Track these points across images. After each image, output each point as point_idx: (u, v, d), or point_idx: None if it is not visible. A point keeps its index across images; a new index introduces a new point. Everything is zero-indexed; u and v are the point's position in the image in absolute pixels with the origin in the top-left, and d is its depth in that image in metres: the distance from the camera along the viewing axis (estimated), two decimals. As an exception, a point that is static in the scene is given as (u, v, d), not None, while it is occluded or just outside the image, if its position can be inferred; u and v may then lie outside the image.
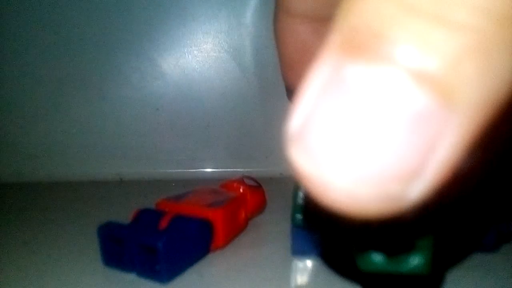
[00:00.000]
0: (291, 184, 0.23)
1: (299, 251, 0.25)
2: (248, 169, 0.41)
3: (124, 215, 0.26)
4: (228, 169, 0.44)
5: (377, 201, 0.07)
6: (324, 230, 0.22)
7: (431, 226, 0.14)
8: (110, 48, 0.43)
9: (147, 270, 0.23)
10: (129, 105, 0.44)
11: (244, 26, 0.43)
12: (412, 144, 0.07)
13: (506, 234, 0.24)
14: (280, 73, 0.20)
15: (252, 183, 0.31)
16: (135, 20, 0.43)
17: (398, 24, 0.06)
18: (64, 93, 0.44)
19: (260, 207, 0.31)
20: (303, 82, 0.07)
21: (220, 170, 0.45)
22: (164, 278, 0.23)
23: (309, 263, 0.25)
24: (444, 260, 0.23)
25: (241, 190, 0.30)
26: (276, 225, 0.29)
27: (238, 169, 0.42)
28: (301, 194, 0.23)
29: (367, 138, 0.07)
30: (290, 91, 0.19)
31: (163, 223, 0.24)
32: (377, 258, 0.14)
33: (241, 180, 0.31)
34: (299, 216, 0.24)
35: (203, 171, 0.45)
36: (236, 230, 0.28)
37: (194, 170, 0.45)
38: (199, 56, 0.44)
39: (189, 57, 0.44)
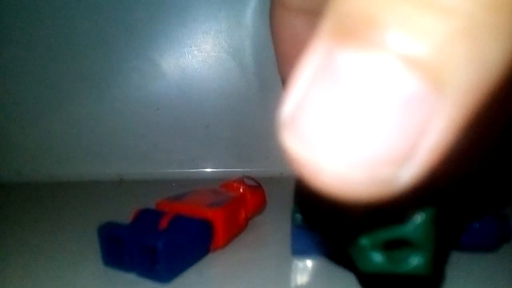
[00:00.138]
0: (291, 184, 0.23)
1: (299, 251, 0.25)
2: (248, 169, 0.41)
3: (124, 215, 0.26)
4: (228, 169, 0.44)
5: (368, 184, 0.07)
6: (323, 228, 0.22)
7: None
8: (110, 48, 0.43)
9: (147, 270, 0.23)
10: (129, 105, 0.44)
11: (244, 26, 0.43)
12: (403, 128, 0.07)
13: (506, 233, 0.24)
14: (276, 67, 0.20)
15: (252, 183, 0.31)
16: (135, 20, 0.43)
17: (388, 10, 0.06)
18: (64, 93, 0.44)
19: (260, 207, 0.31)
20: (296, 68, 0.07)
21: (220, 170, 0.45)
22: (164, 278, 0.23)
23: (309, 263, 0.25)
24: (444, 259, 0.23)
25: (241, 190, 0.30)
26: (276, 225, 0.29)
27: (238, 169, 0.42)
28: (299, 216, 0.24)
29: (359, 122, 0.07)
30: (286, 84, 0.19)
31: (163, 223, 0.24)
32: (377, 258, 0.14)
33: (241, 180, 0.31)
34: (299, 216, 0.24)
35: (203, 171, 0.45)
36: (236, 230, 0.28)
37: (194, 170, 0.45)
38: (199, 56, 0.44)
39: (189, 57, 0.44)
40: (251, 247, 0.27)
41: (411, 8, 0.06)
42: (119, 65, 0.44)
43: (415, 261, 0.14)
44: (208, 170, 0.45)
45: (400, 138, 0.07)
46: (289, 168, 0.08)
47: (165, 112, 0.44)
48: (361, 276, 0.21)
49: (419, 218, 0.14)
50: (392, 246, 0.14)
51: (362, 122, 0.07)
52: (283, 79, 0.19)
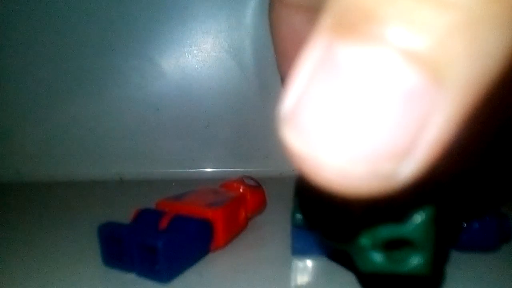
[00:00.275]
0: (291, 184, 0.23)
1: (299, 251, 0.25)
2: (248, 169, 0.41)
3: (124, 215, 0.26)
4: (228, 169, 0.44)
5: (369, 179, 0.07)
6: (323, 227, 0.22)
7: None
8: (110, 48, 0.43)
9: (147, 270, 0.23)
10: (129, 105, 0.44)
11: (244, 26, 0.43)
12: (403, 123, 0.07)
13: (506, 233, 0.24)
14: (276, 64, 0.20)
15: (252, 183, 0.31)
16: (135, 20, 0.43)
17: (387, 4, 0.06)
18: (64, 93, 0.44)
19: (260, 207, 0.31)
20: (296, 64, 0.07)
21: (220, 170, 0.45)
22: (164, 278, 0.23)
23: (309, 263, 0.25)
24: (444, 260, 0.23)
25: (241, 190, 0.30)
26: (276, 225, 0.29)
27: (238, 169, 0.42)
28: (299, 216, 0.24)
29: (359, 116, 0.07)
30: (285, 81, 0.19)
31: (163, 223, 0.24)
32: (377, 258, 0.14)
33: (241, 180, 0.31)
34: (299, 216, 0.24)
35: (203, 171, 0.45)
36: (236, 230, 0.28)
37: (194, 170, 0.45)
38: (199, 56, 0.44)
39: (189, 57, 0.44)
40: (251, 247, 0.27)
41: (410, 2, 0.06)
42: (119, 65, 0.44)
43: (415, 261, 0.14)
44: (208, 170, 0.45)
45: (401, 133, 0.07)
46: (289, 168, 0.08)
47: (165, 112, 0.44)
48: (361, 276, 0.21)
49: (419, 218, 0.14)
50: (392, 246, 0.14)
51: (362, 116, 0.07)
52: (282, 76, 0.19)
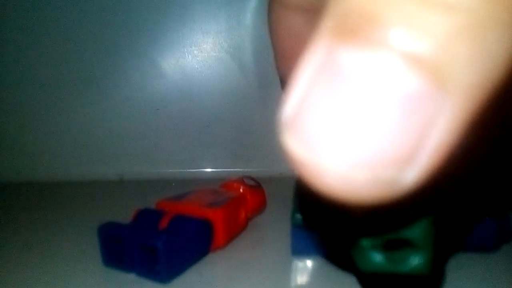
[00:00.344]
0: (291, 184, 0.23)
1: (299, 251, 0.25)
2: (248, 169, 0.41)
3: (124, 215, 0.26)
4: (228, 169, 0.44)
5: (371, 186, 0.07)
6: (323, 228, 0.22)
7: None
8: (110, 48, 0.43)
9: (147, 270, 0.23)
10: (129, 105, 0.44)
11: (244, 26, 0.43)
12: (406, 128, 0.07)
13: (506, 234, 0.24)
14: (274, 64, 0.20)
15: (252, 183, 0.31)
16: (135, 20, 0.43)
17: (389, 7, 0.06)
18: (64, 93, 0.44)
19: (260, 207, 0.31)
20: (296, 68, 0.07)
21: (220, 170, 0.45)
22: (164, 278, 0.23)
23: (309, 263, 0.25)
24: (444, 259, 0.23)
25: (241, 190, 0.30)
26: (276, 225, 0.29)
27: (238, 169, 0.42)
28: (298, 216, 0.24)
29: (361, 122, 0.07)
30: (284, 82, 0.19)
31: (163, 223, 0.24)
32: (377, 258, 0.14)
33: (241, 180, 0.31)
34: (299, 216, 0.24)
35: (203, 171, 0.45)
36: (236, 230, 0.28)
37: (194, 170, 0.45)
38: (199, 56, 0.44)
39: (189, 57, 0.44)
40: (251, 247, 0.27)
41: (413, 5, 0.06)
42: (119, 65, 0.44)
43: (414, 261, 0.14)
44: (208, 170, 0.45)
45: (403, 138, 0.07)
46: (289, 168, 0.08)
47: (165, 112, 0.44)
48: (361, 276, 0.21)
49: None
50: (392, 247, 0.14)
51: (364, 122, 0.07)
52: (281, 77, 0.19)
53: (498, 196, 0.23)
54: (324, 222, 0.19)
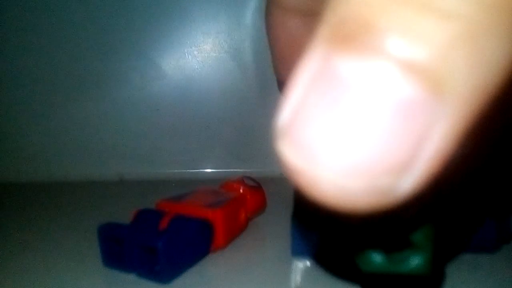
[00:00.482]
0: (291, 184, 0.23)
1: (299, 251, 0.25)
2: (248, 169, 0.41)
3: (124, 215, 0.26)
4: (228, 169, 0.44)
5: (367, 194, 0.07)
6: (322, 231, 0.22)
7: (429, 218, 0.14)
8: (110, 48, 0.43)
9: (147, 270, 0.23)
10: (129, 106, 0.44)
11: (244, 26, 0.43)
12: (402, 136, 0.06)
13: (506, 235, 0.24)
14: (272, 67, 0.20)
15: (252, 183, 0.31)
16: (135, 20, 0.43)
17: (386, 14, 0.06)
18: (64, 93, 0.44)
19: (260, 207, 0.31)
20: (293, 75, 0.07)
21: (220, 170, 0.45)
22: (164, 278, 0.23)
23: (309, 263, 0.25)
24: (444, 259, 0.23)
25: (241, 191, 0.30)
26: (276, 225, 0.29)
27: (238, 169, 0.42)
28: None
29: (356, 130, 0.06)
30: (282, 84, 0.19)
31: (163, 223, 0.24)
32: (377, 258, 0.14)
33: (241, 180, 0.31)
34: (299, 217, 0.24)
35: (203, 171, 0.45)
36: (236, 230, 0.28)
37: (194, 170, 0.45)
38: (199, 56, 0.44)
39: (189, 57, 0.44)
40: (251, 247, 0.27)
41: (410, 12, 0.06)
42: (119, 65, 0.44)
43: (414, 261, 0.14)
44: (208, 170, 0.45)
45: (399, 146, 0.06)
46: (285, 174, 0.07)
47: (165, 113, 0.44)
48: (361, 276, 0.21)
49: None
50: (392, 247, 0.14)
51: (360, 129, 0.06)
52: (278, 79, 0.19)
53: (499, 198, 0.23)
54: (322, 229, 0.19)
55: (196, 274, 0.24)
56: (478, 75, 0.06)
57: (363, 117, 0.06)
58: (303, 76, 0.07)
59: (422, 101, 0.06)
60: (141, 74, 0.44)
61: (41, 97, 0.44)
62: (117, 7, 0.43)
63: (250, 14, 0.43)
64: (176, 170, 0.45)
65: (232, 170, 0.43)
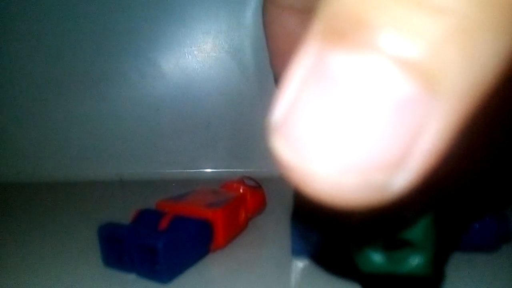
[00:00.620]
0: (290, 183, 0.23)
1: (299, 251, 0.25)
2: (248, 169, 0.41)
3: (124, 215, 0.26)
4: (228, 169, 0.44)
5: (361, 191, 0.07)
6: (322, 229, 0.22)
7: (429, 213, 0.14)
8: (110, 48, 0.43)
9: (147, 270, 0.23)
10: (129, 105, 0.44)
11: (244, 26, 0.43)
12: (396, 133, 0.06)
13: (505, 234, 0.24)
14: (269, 63, 0.20)
15: (252, 183, 0.31)
16: (135, 20, 0.43)
17: (379, 10, 0.06)
18: (64, 93, 0.44)
19: (260, 207, 0.31)
20: (287, 71, 0.07)
21: (220, 170, 0.45)
22: (164, 278, 0.23)
23: (309, 263, 0.25)
24: (444, 259, 0.23)
25: (241, 191, 0.30)
26: (276, 225, 0.29)
27: (238, 169, 0.42)
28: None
29: (350, 126, 0.06)
30: (278, 80, 0.19)
31: (163, 223, 0.24)
32: (377, 258, 0.14)
33: (241, 181, 0.31)
34: (299, 217, 0.24)
35: (203, 171, 0.45)
36: (236, 230, 0.28)
37: (194, 170, 0.45)
38: (199, 56, 0.44)
39: (189, 57, 0.44)
40: (251, 247, 0.27)
41: (403, 9, 0.06)
42: (119, 65, 0.44)
43: (415, 261, 0.14)
44: (208, 170, 0.45)
45: (393, 143, 0.06)
46: (279, 172, 0.07)
47: (165, 113, 0.44)
48: (361, 276, 0.21)
49: None
50: (392, 246, 0.14)
51: (354, 126, 0.06)
52: (275, 75, 0.20)
53: (497, 196, 0.23)
54: (321, 229, 0.19)
55: (196, 274, 0.24)
56: (472, 71, 0.06)
57: (356, 113, 0.06)
58: (297, 72, 0.07)
59: (416, 97, 0.06)
60: (141, 74, 0.44)
61: (41, 97, 0.44)
62: (117, 7, 0.43)
63: (250, 14, 0.43)
64: (176, 170, 0.45)
65: (232, 170, 0.43)
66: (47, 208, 0.36)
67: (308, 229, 0.23)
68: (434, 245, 0.14)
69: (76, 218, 0.33)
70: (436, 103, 0.06)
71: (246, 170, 0.41)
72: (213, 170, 0.45)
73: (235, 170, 0.43)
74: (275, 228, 0.29)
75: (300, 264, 0.25)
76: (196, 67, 0.44)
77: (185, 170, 0.45)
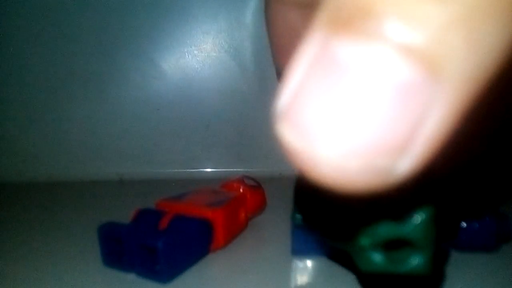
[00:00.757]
0: (291, 184, 0.23)
1: (299, 251, 0.25)
2: (248, 169, 0.41)
3: (124, 215, 0.26)
4: (228, 169, 0.44)
5: (365, 175, 0.07)
6: (323, 227, 0.22)
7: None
8: (110, 48, 0.43)
9: (147, 270, 0.23)
10: (129, 105, 0.44)
11: (244, 26, 0.43)
12: (400, 118, 0.07)
13: (505, 234, 0.24)
14: (272, 58, 0.20)
15: (252, 183, 0.31)
16: (135, 20, 0.43)
17: None
18: (64, 93, 0.44)
19: (260, 207, 0.31)
20: (292, 60, 0.07)
21: (220, 170, 0.45)
22: (164, 278, 0.23)
23: (309, 263, 0.25)
24: (444, 260, 0.23)
25: (241, 190, 0.30)
26: (276, 225, 0.29)
27: (238, 169, 0.42)
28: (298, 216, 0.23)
29: (355, 112, 0.07)
30: (281, 75, 0.19)
31: (163, 223, 0.24)
32: (377, 258, 0.14)
33: (241, 180, 0.31)
34: (299, 216, 0.24)
35: (203, 171, 0.45)
36: (236, 230, 0.28)
37: (194, 170, 0.45)
38: (199, 56, 0.44)
39: (189, 57, 0.44)
40: (251, 247, 0.27)
41: None
42: (119, 65, 0.44)
43: (415, 261, 0.14)
44: (208, 170, 0.45)
45: (397, 128, 0.07)
46: (289, 168, 0.08)
47: (165, 112, 0.44)
48: (361, 276, 0.21)
49: (419, 218, 0.14)
50: (392, 246, 0.14)
51: (358, 111, 0.07)
52: (278, 71, 0.20)
53: (496, 192, 0.23)
54: (324, 218, 0.19)
55: (196, 274, 0.24)
56: (475, 58, 0.06)
57: (361, 99, 0.07)
58: (303, 60, 0.07)
59: (420, 83, 0.06)
60: (141, 74, 0.44)
61: (41, 97, 0.44)
62: (117, 7, 0.43)
63: (250, 14, 0.43)
64: (176, 170, 0.45)
65: (232, 170, 0.43)
66: (47, 208, 0.36)
67: (308, 228, 0.23)
68: (434, 245, 0.14)
69: (76, 218, 0.33)
70: (440, 89, 0.06)
71: (246, 170, 0.41)
72: (213, 170, 0.45)
73: (235, 170, 0.43)
74: (275, 228, 0.29)
75: (300, 264, 0.25)
76: (196, 67, 0.44)
77: (185, 170, 0.45)
